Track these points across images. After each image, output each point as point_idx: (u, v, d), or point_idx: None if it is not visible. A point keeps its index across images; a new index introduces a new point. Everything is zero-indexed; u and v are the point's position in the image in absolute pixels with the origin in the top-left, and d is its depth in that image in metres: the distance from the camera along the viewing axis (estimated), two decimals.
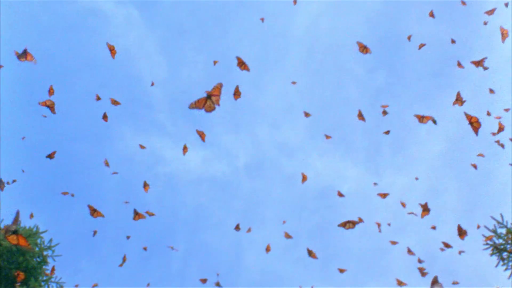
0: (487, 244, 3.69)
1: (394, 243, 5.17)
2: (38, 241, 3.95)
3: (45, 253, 3.92)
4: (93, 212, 4.19)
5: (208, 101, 2.51)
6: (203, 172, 10.10)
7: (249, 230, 5.65)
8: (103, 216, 4.32)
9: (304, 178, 5.36)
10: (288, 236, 5.24)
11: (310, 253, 4.89)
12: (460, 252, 5.08)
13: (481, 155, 5.19)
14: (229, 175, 10.11)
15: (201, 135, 4.01)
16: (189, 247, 9.60)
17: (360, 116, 4.97)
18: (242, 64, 4.20)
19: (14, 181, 5.02)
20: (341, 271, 5.50)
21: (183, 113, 10.00)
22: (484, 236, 3.71)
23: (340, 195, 5.43)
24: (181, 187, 9.96)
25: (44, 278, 3.83)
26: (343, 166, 9.94)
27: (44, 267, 3.90)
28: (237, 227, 5.26)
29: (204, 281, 5.23)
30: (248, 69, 4.17)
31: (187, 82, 9.76)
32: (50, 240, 4.04)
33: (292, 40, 10.02)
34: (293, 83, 5.73)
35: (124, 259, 5.30)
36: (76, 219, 8.78)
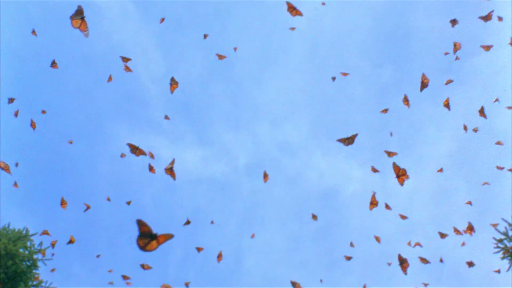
0: (498, 247, 3.67)
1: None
2: (28, 244, 3.94)
3: (35, 256, 3.91)
4: (135, 149, 4.23)
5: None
6: (201, 172, 10.10)
7: (252, 235, 5.64)
8: (145, 154, 4.39)
9: (265, 177, 5.34)
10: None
11: (294, 284, 4.90)
12: (463, 244, 5.08)
13: (499, 143, 5.14)
14: (228, 175, 10.11)
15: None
16: (187, 250, 9.59)
17: (406, 101, 4.89)
18: (293, 10, 4.11)
19: (17, 164, 5.01)
20: (347, 258, 5.48)
21: (180, 111, 9.99)
22: (494, 239, 3.69)
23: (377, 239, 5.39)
24: (178, 188, 9.96)
25: (34, 283, 3.83)
26: (348, 166, 9.94)
27: (34, 271, 3.89)
28: (187, 222, 5.23)
29: (200, 249, 5.20)
30: (300, 14, 4.07)
31: (185, 78, 9.75)
32: (40, 243, 4.03)
33: (294, 34, 10.01)
34: (323, 3, 5.39)
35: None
36: (69, 221, 8.78)
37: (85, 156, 9.05)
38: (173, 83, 4.10)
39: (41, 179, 8.58)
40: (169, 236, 2.37)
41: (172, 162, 3.58)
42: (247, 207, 10.13)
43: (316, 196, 9.98)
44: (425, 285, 5.37)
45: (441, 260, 5.44)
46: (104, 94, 9.17)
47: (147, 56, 9.43)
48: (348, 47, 9.62)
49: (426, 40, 9.48)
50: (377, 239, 5.33)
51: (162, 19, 3.82)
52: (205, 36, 4.53)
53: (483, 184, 5.15)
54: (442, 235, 4.98)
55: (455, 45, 4.39)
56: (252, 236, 5.53)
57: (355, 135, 4.13)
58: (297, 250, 9.62)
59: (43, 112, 4.89)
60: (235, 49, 5.14)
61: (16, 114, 4.40)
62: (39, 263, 4.00)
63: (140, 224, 2.32)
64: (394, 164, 3.45)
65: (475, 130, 4.97)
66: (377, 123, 9.72)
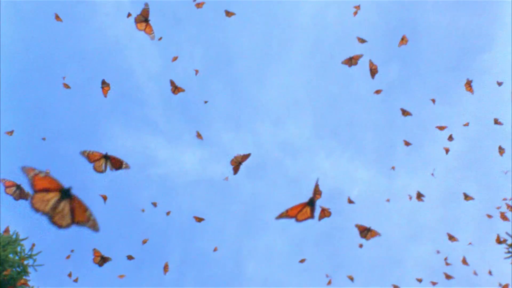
0: (508, 252, 3.65)
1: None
2: (18, 249, 3.93)
3: (25, 262, 3.90)
4: (174, 88, 4.20)
5: None
6: (200, 174, 10.10)
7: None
8: (183, 90, 4.35)
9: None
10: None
11: None
12: (469, 243, 5.06)
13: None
14: (228, 177, 10.08)
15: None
16: (185, 254, 9.59)
17: (469, 86, 4.83)
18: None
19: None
20: (350, 278, 5.47)
21: (177, 109, 9.98)
22: (506, 244, 3.67)
23: (350, 201, 5.38)
24: (176, 189, 9.95)
25: None
26: (353, 167, 9.92)
27: (24, 277, 3.88)
28: (200, 219, 5.15)
29: (199, 219, 5.16)
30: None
31: (183, 76, 9.74)
32: (31, 248, 4.02)
33: (297, 30, 9.99)
34: None
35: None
36: None
37: (79, 156, 9.04)
38: (105, 86, 4.06)
39: None
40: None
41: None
42: (247, 209, 10.13)
43: (319, 198, 9.93)
44: (434, 283, 5.35)
45: (447, 263, 5.42)
46: (98, 92, 9.16)
47: (143, 52, 9.43)
48: (353, 43, 9.61)
49: (434, 37, 9.45)
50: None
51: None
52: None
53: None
54: (452, 238, 4.96)
55: (402, 38, 4.37)
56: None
57: (359, 56, 4.14)
58: (300, 254, 9.60)
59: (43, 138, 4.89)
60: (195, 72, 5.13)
61: None
62: (30, 269, 3.99)
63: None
64: (357, 225, 3.47)
65: (498, 122, 4.93)
66: (382, 122, 9.71)
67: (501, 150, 5.05)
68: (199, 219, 4.97)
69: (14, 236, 3.91)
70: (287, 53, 10.20)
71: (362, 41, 4.36)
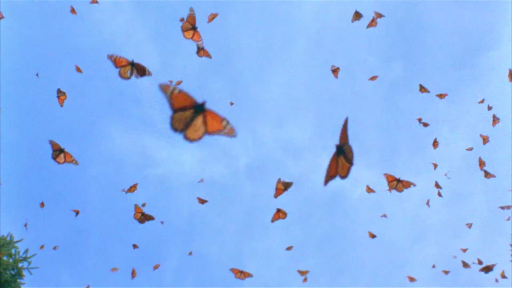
0: None
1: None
2: (13, 251, 3.91)
3: (20, 264, 3.88)
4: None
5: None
6: (199, 175, 10.07)
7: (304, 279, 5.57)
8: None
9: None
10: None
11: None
12: (464, 250, 5.04)
13: None
14: (228, 178, 10.07)
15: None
16: (184, 257, 9.56)
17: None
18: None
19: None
20: (371, 236, 5.42)
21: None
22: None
23: (372, 236, 5.33)
24: (175, 191, 9.92)
25: None
26: (355, 168, 9.88)
27: (19, 280, 3.86)
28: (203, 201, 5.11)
29: (202, 200, 5.13)
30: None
31: (182, 74, 9.72)
32: (26, 251, 4.00)
33: (298, 27, 9.97)
34: None
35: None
36: (57, 227, 8.75)
37: (76, 156, 9.02)
38: (61, 94, 4.00)
39: (27, 181, 8.55)
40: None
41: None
42: (248, 211, 10.10)
43: (321, 199, 9.93)
44: (446, 272, 5.34)
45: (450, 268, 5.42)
46: (95, 91, 9.14)
47: (141, 50, 9.40)
48: (356, 41, 9.59)
49: (439, 34, 9.43)
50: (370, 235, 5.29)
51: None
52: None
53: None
54: (412, 279, 4.97)
55: (372, 19, 4.34)
56: (304, 279, 5.47)
57: (338, 69, 4.15)
58: (301, 257, 9.58)
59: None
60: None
61: None
62: (25, 272, 3.97)
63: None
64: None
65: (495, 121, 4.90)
66: (386, 122, 9.68)
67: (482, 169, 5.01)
68: (202, 201, 4.94)
69: (8, 238, 3.89)
70: (289, 51, 10.19)
71: (358, 15, 4.26)
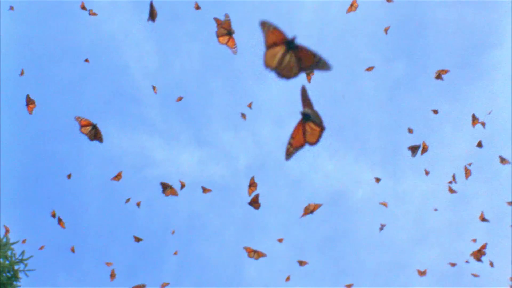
0: None
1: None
2: (9, 253, 3.89)
3: (16, 267, 3.86)
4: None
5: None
6: (198, 175, 10.05)
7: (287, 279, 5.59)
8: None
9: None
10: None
11: None
12: (474, 240, 5.02)
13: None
14: (228, 179, 10.05)
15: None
16: (183, 260, 9.54)
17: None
18: None
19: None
20: (382, 226, 5.43)
21: (175, 108, 9.95)
22: None
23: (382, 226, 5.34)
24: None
25: None
26: (357, 168, 9.88)
27: (15, 283, 3.84)
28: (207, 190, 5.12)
29: (206, 190, 5.16)
30: None
31: (181, 73, 9.71)
32: (22, 253, 3.98)
33: (298, 25, 9.96)
34: None
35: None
36: (53, 228, 8.73)
37: (73, 157, 9.01)
38: (30, 103, 3.97)
39: (23, 182, 8.54)
40: None
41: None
42: (247, 212, 10.09)
43: (322, 200, 9.90)
44: (452, 265, 5.33)
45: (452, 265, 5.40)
46: (92, 90, 9.12)
47: (139, 49, 9.39)
48: (357, 39, 9.57)
49: (442, 32, 9.41)
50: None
51: None
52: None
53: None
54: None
55: (352, 4, 4.34)
56: (287, 279, 5.48)
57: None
58: (302, 257, 9.57)
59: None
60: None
61: None
62: (21, 274, 3.95)
63: None
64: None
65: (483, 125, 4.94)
66: (388, 122, 9.66)
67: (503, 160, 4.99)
68: (206, 190, 4.97)
69: (4, 240, 3.87)
70: None
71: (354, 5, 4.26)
